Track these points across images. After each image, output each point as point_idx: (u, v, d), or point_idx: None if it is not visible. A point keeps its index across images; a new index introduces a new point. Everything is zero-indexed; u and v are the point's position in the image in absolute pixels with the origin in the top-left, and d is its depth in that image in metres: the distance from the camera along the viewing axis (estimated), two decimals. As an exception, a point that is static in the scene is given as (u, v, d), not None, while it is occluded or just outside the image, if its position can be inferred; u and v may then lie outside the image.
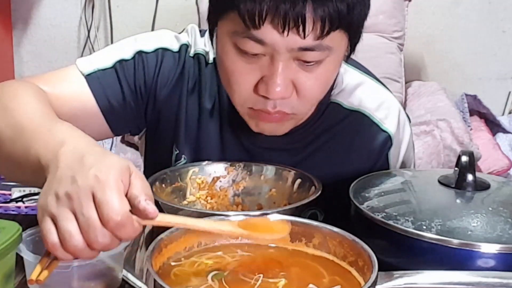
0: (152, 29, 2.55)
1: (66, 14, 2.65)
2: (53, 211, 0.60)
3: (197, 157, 1.02)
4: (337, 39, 0.83)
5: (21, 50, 2.70)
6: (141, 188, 0.62)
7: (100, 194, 0.59)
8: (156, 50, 1.00)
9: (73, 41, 2.67)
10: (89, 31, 2.62)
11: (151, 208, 0.61)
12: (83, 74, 0.96)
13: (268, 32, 0.79)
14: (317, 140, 1.02)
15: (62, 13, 2.66)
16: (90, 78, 0.96)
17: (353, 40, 0.87)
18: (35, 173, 0.69)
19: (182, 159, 1.03)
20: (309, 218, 0.85)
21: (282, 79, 0.82)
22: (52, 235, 0.60)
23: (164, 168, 1.00)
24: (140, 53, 0.99)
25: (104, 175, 0.60)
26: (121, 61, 0.98)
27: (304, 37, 0.79)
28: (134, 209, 0.61)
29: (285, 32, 0.79)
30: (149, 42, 1.01)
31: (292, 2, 0.77)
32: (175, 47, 1.01)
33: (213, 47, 0.91)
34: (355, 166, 1.01)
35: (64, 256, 0.61)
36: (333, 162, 1.02)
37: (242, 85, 0.86)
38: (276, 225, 0.72)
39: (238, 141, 1.02)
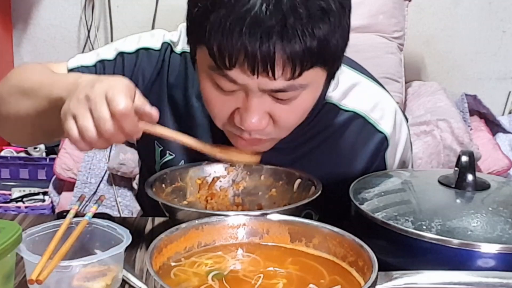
0: (152, 29, 2.54)
1: (66, 14, 2.65)
2: (74, 111, 0.74)
3: (186, 154, 1.02)
4: (312, 75, 0.81)
5: (21, 50, 2.70)
6: (144, 100, 0.77)
7: (111, 93, 0.73)
8: (137, 50, 1.02)
9: (73, 41, 2.67)
10: (89, 31, 2.62)
11: (154, 111, 0.77)
12: (67, 68, 1.01)
13: (239, 74, 0.79)
14: (312, 141, 1.01)
15: (62, 13, 2.66)
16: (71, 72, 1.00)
17: (332, 70, 0.85)
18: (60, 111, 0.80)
19: (167, 155, 1.03)
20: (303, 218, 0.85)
21: (256, 113, 0.82)
22: (73, 131, 0.74)
23: (153, 166, 1.02)
24: (121, 54, 1.02)
25: (115, 83, 0.75)
26: (102, 61, 1.02)
27: (275, 79, 0.78)
28: (141, 115, 0.76)
29: (255, 76, 0.77)
30: (133, 43, 1.03)
31: (260, 44, 0.75)
32: (157, 45, 1.03)
33: (195, 70, 0.90)
34: (351, 167, 1.01)
35: (83, 146, 0.75)
36: (329, 163, 1.01)
37: (219, 114, 0.87)
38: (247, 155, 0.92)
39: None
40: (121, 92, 0.73)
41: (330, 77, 0.87)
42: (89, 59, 1.02)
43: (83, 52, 2.62)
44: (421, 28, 2.60)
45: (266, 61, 0.76)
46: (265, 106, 0.83)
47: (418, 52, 2.62)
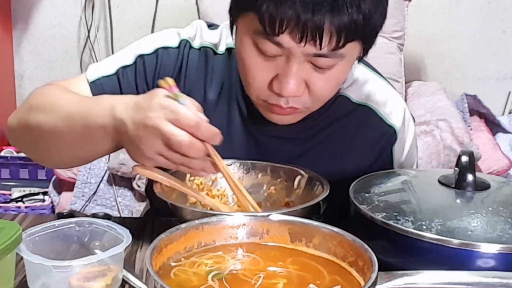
0: (152, 29, 2.55)
1: (66, 14, 2.65)
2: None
3: None
4: (351, 48, 0.85)
5: (21, 50, 2.70)
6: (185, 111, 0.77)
7: (170, 138, 0.75)
8: (156, 50, 1.03)
9: (73, 41, 2.67)
10: (89, 31, 2.62)
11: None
12: (88, 81, 1.01)
13: (286, 39, 0.82)
14: (324, 131, 1.04)
15: (62, 13, 2.66)
16: (94, 85, 1.01)
17: (367, 46, 0.90)
18: (104, 136, 0.83)
19: None
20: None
21: (295, 79, 0.86)
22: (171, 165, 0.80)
23: None
24: (141, 56, 1.03)
25: (154, 119, 0.76)
26: (124, 67, 1.02)
27: (321, 48, 0.82)
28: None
29: (302, 43, 0.81)
30: (150, 44, 1.04)
31: (312, 14, 0.79)
32: (174, 43, 1.04)
33: (232, 39, 0.94)
34: (360, 158, 1.04)
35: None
36: (339, 153, 1.05)
37: (257, 81, 0.89)
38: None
39: (246, 128, 1.04)
40: (174, 131, 0.75)
41: (362, 54, 0.91)
42: (108, 68, 1.02)
43: (82, 52, 2.64)
44: (421, 28, 2.60)
45: (315, 31, 0.80)
46: (304, 73, 0.86)
47: (418, 52, 2.62)
